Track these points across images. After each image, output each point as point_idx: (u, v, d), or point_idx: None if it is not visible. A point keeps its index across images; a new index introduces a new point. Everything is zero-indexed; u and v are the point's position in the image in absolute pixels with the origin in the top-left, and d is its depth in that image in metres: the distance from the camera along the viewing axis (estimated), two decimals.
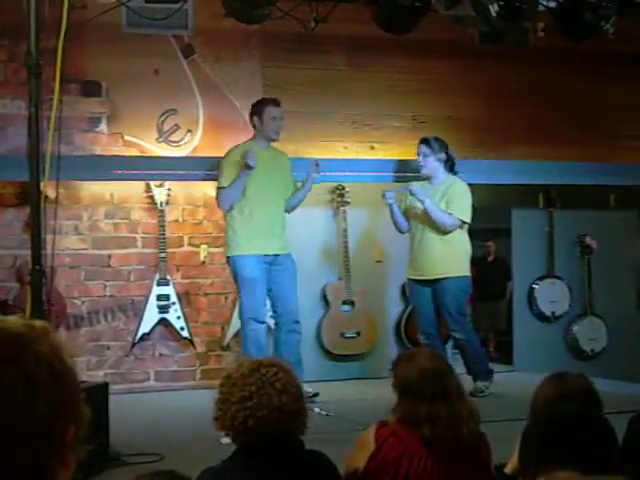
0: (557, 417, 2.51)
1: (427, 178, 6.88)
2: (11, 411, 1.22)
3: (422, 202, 6.65)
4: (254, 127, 6.63)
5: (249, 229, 6.48)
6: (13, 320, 1.30)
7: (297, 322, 6.60)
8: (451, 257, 6.70)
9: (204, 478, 2.85)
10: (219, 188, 6.59)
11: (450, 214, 6.65)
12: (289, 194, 6.69)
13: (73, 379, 1.30)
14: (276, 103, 6.59)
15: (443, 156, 6.78)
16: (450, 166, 6.82)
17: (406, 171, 7.58)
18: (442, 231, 6.65)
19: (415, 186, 6.75)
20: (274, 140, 6.63)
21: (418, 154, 6.82)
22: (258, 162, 6.41)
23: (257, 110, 6.59)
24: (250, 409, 2.78)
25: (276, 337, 6.60)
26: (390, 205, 6.81)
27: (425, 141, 6.82)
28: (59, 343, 1.29)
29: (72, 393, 1.29)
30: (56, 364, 1.27)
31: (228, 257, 6.56)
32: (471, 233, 6.85)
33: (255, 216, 6.49)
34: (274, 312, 6.62)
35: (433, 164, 6.78)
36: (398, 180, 7.60)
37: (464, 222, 6.70)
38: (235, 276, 6.54)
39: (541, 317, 8.10)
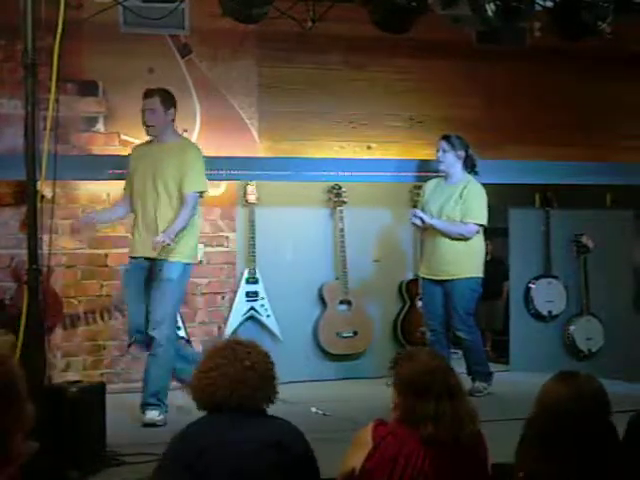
0: (567, 417, 2.51)
1: (443, 175, 6.94)
2: None
3: (432, 225, 6.78)
4: None
5: (133, 230, 6.22)
6: None
7: (153, 337, 5.91)
8: (464, 258, 6.79)
9: (175, 437, 3.04)
10: None
11: (465, 223, 6.76)
12: (182, 188, 6.03)
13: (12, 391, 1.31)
14: (144, 94, 6.17)
15: (462, 154, 6.87)
16: (471, 166, 6.91)
17: (403, 171, 7.60)
18: (460, 239, 6.77)
19: (420, 214, 6.83)
20: (147, 134, 6.20)
21: (437, 150, 6.90)
22: (140, 158, 6.14)
23: None
24: (213, 379, 3.04)
25: None
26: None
27: (446, 137, 6.91)
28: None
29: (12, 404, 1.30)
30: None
31: None
32: (484, 231, 6.93)
33: (135, 217, 6.17)
34: None
35: (451, 160, 6.86)
36: (395, 180, 7.62)
37: (481, 226, 6.80)
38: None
39: (538, 316, 8.10)
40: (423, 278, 7.01)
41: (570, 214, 8.23)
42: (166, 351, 5.93)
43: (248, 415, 3.05)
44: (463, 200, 6.82)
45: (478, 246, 6.89)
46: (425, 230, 6.95)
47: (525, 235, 8.14)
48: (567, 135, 8.21)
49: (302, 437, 3.13)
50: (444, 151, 6.88)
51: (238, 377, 3.03)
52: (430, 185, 7.04)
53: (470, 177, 6.93)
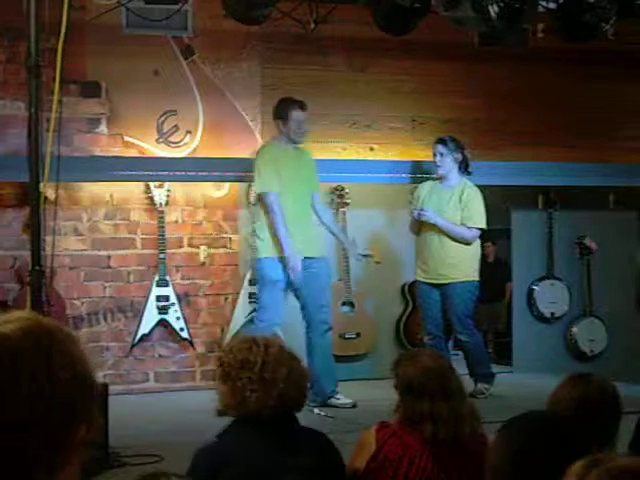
0: (579, 418, 2.51)
1: (437, 177, 6.93)
2: (26, 399, 1.29)
3: (437, 225, 6.76)
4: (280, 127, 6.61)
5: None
6: (45, 318, 1.39)
7: (325, 323, 6.56)
8: (463, 261, 6.80)
9: (200, 456, 2.89)
10: (263, 192, 6.51)
11: (469, 227, 6.77)
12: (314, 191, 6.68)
13: (91, 383, 1.38)
14: (301, 106, 6.58)
15: (459, 156, 6.85)
16: (465, 166, 6.90)
17: (406, 172, 7.60)
18: (463, 242, 6.77)
19: (429, 212, 6.80)
20: (294, 141, 6.61)
21: (434, 154, 6.88)
22: (285, 161, 6.50)
23: (282, 112, 6.58)
24: (284, 388, 2.91)
25: (307, 340, 6.59)
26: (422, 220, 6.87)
27: (441, 141, 6.88)
28: (84, 349, 1.39)
29: (88, 396, 1.37)
30: (79, 367, 1.36)
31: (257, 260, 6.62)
32: (481, 235, 6.94)
33: (287, 218, 6.46)
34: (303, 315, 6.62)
35: (450, 164, 6.84)
36: (398, 181, 7.61)
37: (483, 230, 6.83)
38: (258, 278, 6.64)
39: (540, 318, 8.10)
40: (420, 282, 7.00)
41: (573, 215, 8.22)
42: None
43: (283, 426, 2.95)
44: (463, 205, 6.80)
45: (476, 250, 6.91)
46: (421, 234, 6.93)
47: (528, 236, 8.13)
48: (570, 136, 8.21)
49: (335, 449, 3.09)
50: (441, 155, 6.85)
51: (285, 383, 2.91)
52: (425, 188, 7.02)
53: (465, 180, 6.91)
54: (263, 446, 2.88)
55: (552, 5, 6.50)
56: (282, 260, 6.42)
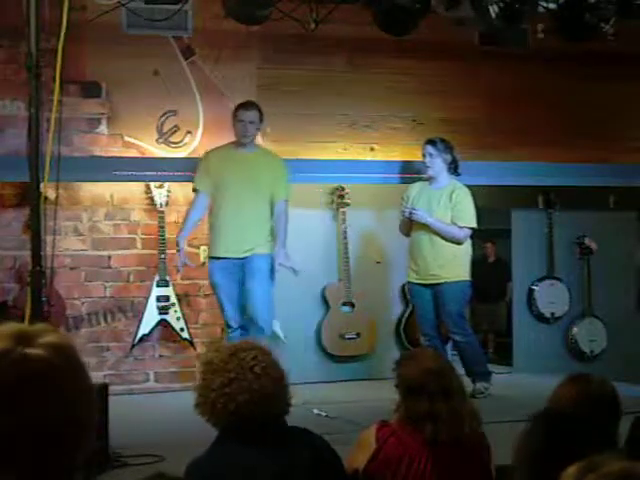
0: (571, 418, 2.51)
1: (429, 179, 6.92)
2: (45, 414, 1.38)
3: (429, 224, 6.74)
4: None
5: (216, 232, 6.61)
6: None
7: (260, 327, 6.49)
8: (454, 261, 6.78)
9: (192, 472, 2.86)
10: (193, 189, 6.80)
11: (460, 227, 6.75)
12: (274, 196, 6.57)
13: (93, 389, 1.48)
14: (243, 106, 6.60)
15: (449, 157, 6.84)
16: (454, 168, 6.88)
17: (406, 172, 7.60)
18: (454, 242, 6.75)
19: (420, 211, 6.79)
20: (242, 144, 6.61)
21: (424, 155, 6.86)
22: (226, 164, 6.54)
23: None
24: (230, 395, 2.82)
25: None
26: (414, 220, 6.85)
27: (431, 142, 6.86)
28: (81, 360, 1.47)
29: (95, 402, 1.48)
30: (89, 378, 1.46)
31: None
32: (472, 235, 6.91)
33: (221, 218, 6.55)
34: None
35: (439, 165, 6.83)
36: (398, 181, 7.61)
37: (473, 229, 6.80)
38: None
39: (540, 318, 8.10)
40: (412, 283, 6.98)
41: (573, 216, 8.23)
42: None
43: (271, 432, 2.89)
44: (454, 204, 6.79)
45: (467, 249, 6.89)
46: (412, 234, 6.92)
47: (528, 237, 8.14)
48: (570, 136, 8.21)
49: (331, 449, 3.04)
50: (431, 156, 6.84)
51: (253, 388, 2.83)
52: (414, 188, 7.01)
53: (454, 180, 6.91)
54: (246, 459, 2.84)
55: (552, 5, 6.50)
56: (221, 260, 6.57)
